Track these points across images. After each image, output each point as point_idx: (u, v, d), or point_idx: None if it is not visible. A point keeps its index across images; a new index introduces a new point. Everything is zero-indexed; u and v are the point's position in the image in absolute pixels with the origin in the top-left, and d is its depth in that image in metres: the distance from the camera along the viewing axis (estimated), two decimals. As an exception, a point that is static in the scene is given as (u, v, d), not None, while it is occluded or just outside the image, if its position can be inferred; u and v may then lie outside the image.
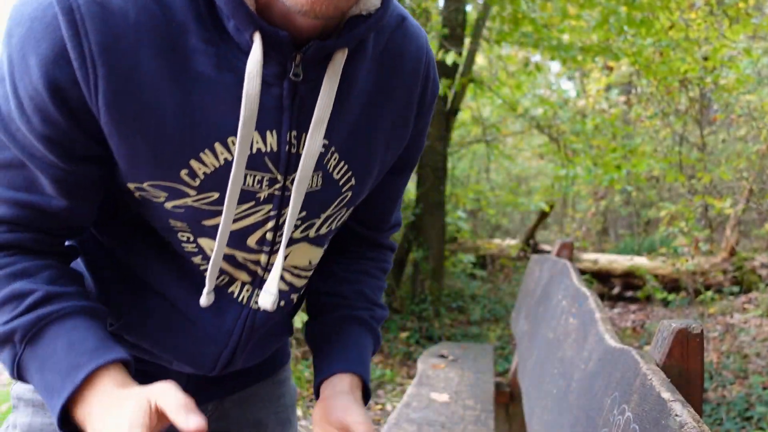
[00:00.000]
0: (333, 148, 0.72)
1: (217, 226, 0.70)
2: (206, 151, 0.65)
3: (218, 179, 0.67)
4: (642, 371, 0.88)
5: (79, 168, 0.65)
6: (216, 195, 0.68)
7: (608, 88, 7.66)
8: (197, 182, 0.67)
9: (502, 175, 8.82)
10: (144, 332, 0.78)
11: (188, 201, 0.69)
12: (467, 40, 4.96)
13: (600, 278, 6.34)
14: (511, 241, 7.54)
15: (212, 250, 0.72)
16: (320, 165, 0.72)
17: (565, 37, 5.03)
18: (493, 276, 6.73)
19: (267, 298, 0.74)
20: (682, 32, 5.09)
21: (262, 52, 0.62)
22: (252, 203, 0.70)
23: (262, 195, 0.70)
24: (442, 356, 2.97)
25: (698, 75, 5.24)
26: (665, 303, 5.16)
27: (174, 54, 0.62)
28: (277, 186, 0.70)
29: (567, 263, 2.05)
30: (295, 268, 0.80)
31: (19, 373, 0.67)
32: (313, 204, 0.74)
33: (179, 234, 0.73)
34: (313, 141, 0.67)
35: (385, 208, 0.93)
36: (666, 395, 0.77)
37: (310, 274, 0.84)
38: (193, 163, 0.66)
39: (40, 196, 0.66)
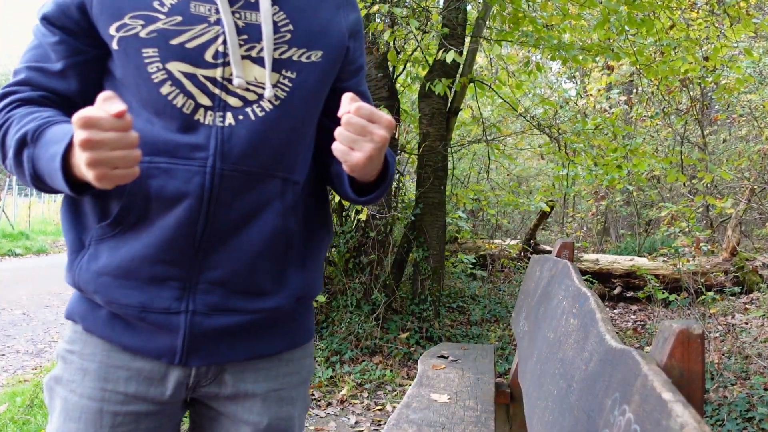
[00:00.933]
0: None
1: (181, 44, 0.93)
2: None
3: (180, 6, 0.94)
4: (643, 372, 0.87)
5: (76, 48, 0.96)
6: (180, 18, 0.93)
7: (609, 87, 7.65)
8: (165, 9, 0.93)
9: (502, 175, 8.81)
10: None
11: (159, 24, 0.93)
12: (467, 40, 4.96)
13: (601, 278, 6.33)
14: (511, 242, 7.53)
15: (179, 72, 0.93)
16: (255, 6, 0.98)
17: (566, 37, 5.02)
18: (494, 276, 6.72)
19: (237, 81, 0.95)
20: (683, 32, 5.08)
21: None
22: (205, 25, 0.94)
23: (212, 19, 0.95)
24: (443, 357, 2.96)
25: (699, 75, 5.23)
26: (666, 303, 5.15)
27: None
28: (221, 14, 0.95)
29: (568, 263, 2.04)
30: (248, 83, 0.97)
31: (33, 166, 0.88)
32: (253, 31, 0.97)
33: (149, 66, 0.93)
34: None
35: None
36: (667, 396, 0.76)
37: (262, 100, 0.98)
38: None
39: (48, 62, 0.96)
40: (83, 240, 0.98)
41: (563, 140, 5.60)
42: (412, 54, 5.10)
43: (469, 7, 4.96)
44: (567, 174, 5.81)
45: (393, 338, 4.24)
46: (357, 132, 0.87)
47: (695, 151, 7.36)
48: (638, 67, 4.81)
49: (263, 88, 0.97)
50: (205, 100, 0.95)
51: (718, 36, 5.31)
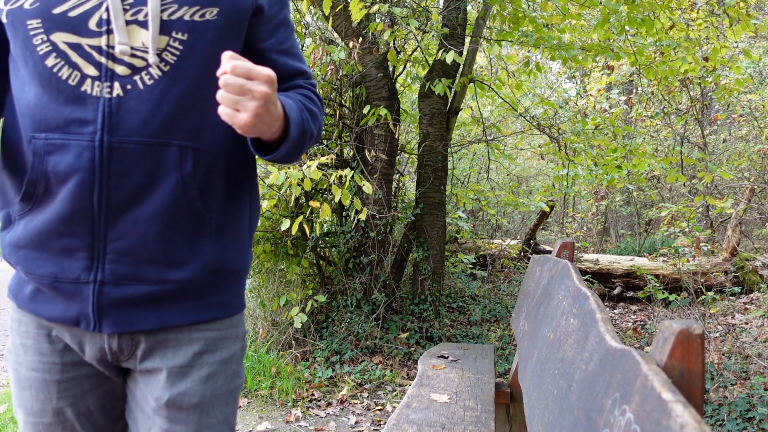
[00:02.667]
0: None
1: (64, 13, 0.92)
2: None
3: None
4: (643, 372, 0.87)
5: None
6: None
7: (609, 87, 7.65)
8: None
9: (502, 175, 8.81)
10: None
11: None
12: (467, 40, 4.96)
13: (601, 278, 6.33)
14: (511, 242, 7.53)
15: (63, 42, 0.92)
16: None
17: (566, 37, 5.02)
18: (494, 276, 6.72)
19: (120, 48, 0.92)
20: (682, 32, 5.08)
21: None
22: None
23: None
24: (443, 357, 2.96)
25: (699, 75, 5.23)
26: (666, 303, 5.15)
27: None
28: None
29: (568, 263, 2.04)
30: (134, 49, 0.94)
31: None
32: None
33: (34, 39, 0.92)
34: None
35: (281, 62, 1.10)
36: (667, 396, 0.76)
37: (171, 58, 0.96)
38: None
39: None
40: (10, 215, 1.03)
41: (563, 140, 5.60)
42: (412, 54, 5.10)
43: (469, 7, 4.96)
44: (567, 174, 5.81)
45: (393, 338, 4.24)
46: (236, 92, 0.84)
47: (695, 151, 7.36)
48: (638, 67, 4.81)
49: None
50: (91, 71, 0.93)
51: (718, 36, 5.31)
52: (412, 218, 4.66)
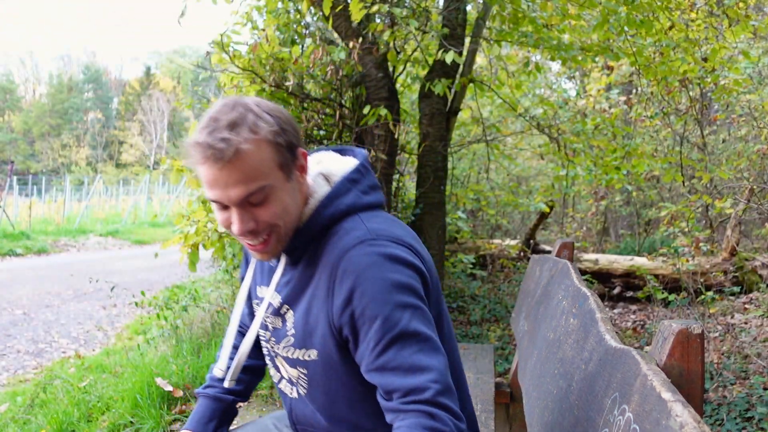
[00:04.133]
0: (286, 306, 1.25)
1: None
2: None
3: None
4: (642, 372, 0.88)
5: None
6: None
7: (608, 87, 7.65)
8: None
9: (502, 175, 8.81)
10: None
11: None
12: (467, 40, 4.96)
13: (600, 278, 6.34)
14: (511, 241, 7.54)
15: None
16: (278, 313, 1.27)
17: (565, 37, 5.02)
18: (494, 276, 6.72)
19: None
20: (682, 32, 5.08)
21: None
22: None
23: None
24: (443, 356, 2.95)
25: (698, 75, 5.23)
26: (666, 303, 5.16)
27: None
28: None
29: (567, 263, 2.05)
30: (290, 376, 1.31)
31: None
32: (278, 335, 1.28)
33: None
34: (268, 297, 1.29)
35: (375, 382, 1.15)
36: (666, 396, 0.77)
37: (303, 385, 1.28)
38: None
39: None
40: None
41: (563, 140, 5.60)
42: (412, 54, 5.10)
43: (468, 8, 4.96)
44: (566, 174, 5.81)
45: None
46: None
47: (694, 151, 7.36)
48: (637, 67, 4.81)
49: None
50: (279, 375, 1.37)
51: (717, 37, 5.31)
52: (412, 218, 4.67)
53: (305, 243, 1.21)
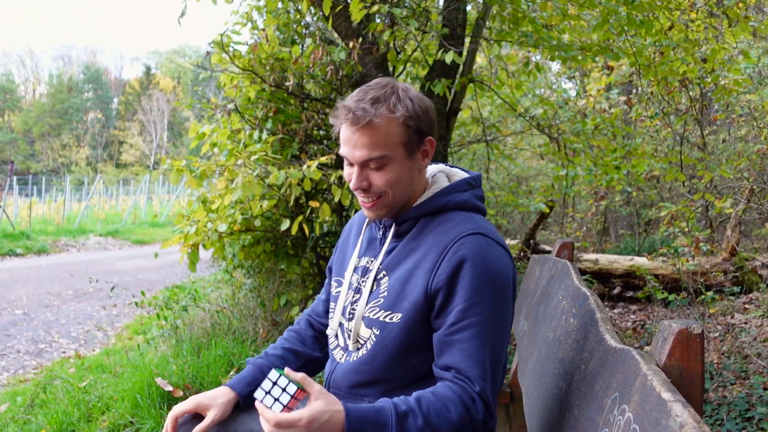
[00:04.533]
0: (384, 272, 1.40)
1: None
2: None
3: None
4: (642, 371, 0.88)
5: None
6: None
7: (608, 87, 7.65)
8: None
9: (502, 175, 8.81)
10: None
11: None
12: (467, 40, 4.96)
13: (600, 278, 6.33)
14: (511, 241, 7.53)
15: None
16: (374, 277, 1.40)
17: (565, 37, 5.02)
18: (494, 276, 6.70)
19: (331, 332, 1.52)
20: (682, 33, 5.08)
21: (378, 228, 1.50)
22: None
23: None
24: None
25: (698, 75, 5.23)
26: (666, 303, 5.15)
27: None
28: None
29: (567, 263, 2.05)
30: (358, 335, 1.41)
31: None
32: (368, 297, 1.40)
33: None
34: (367, 263, 1.48)
35: (439, 350, 1.32)
36: (666, 396, 0.77)
37: (368, 346, 1.38)
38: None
39: None
40: None
41: (563, 140, 5.60)
42: (412, 54, 5.10)
43: (468, 8, 4.96)
44: (566, 174, 5.81)
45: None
46: None
47: (695, 151, 7.36)
48: (637, 67, 4.81)
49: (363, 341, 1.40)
50: (340, 341, 1.48)
51: (717, 37, 5.31)
52: (412, 218, 4.66)
53: (416, 219, 1.40)
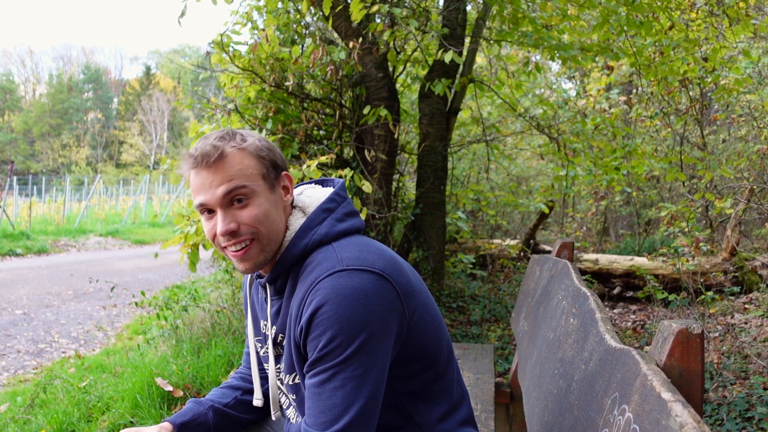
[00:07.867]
0: (281, 334, 1.31)
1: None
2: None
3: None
4: (642, 371, 0.88)
5: None
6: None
7: (608, 87, 7.65)
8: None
9: (502, 175, 8.81)
10: None
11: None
12: (467, 40, 4.96)
13: (600, 278, 6.34)
14: (511, 241, 7.54)
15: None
16: (276, 342, 1.33)
17: (565, 37, 5.02)
18: (493, 276, 6.72)
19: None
20: (682, 32, 5.08)
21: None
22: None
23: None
24: (442, 356, 2.95)
25: (698, 75, 5.23)
26: (666, 303, 5.16)
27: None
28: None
29: (567, 263, 2.05)
30: (279, 402, 1.42)
31: None
32: (281, 363, 1.35)
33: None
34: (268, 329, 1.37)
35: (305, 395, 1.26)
36: (666, 396, 0.77)
37: (295, 408, 1.36)
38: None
39: None
40: None
41: (563, 140, 5.60)
42: (412, 54, 5.10)
43: (468, 8, 4.96)
44: (566, 174, 5.81)
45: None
46: None
47: (695, 150, 7.36)
48: (637, 67, 4.81)
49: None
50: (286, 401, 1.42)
51: (717, 37, 5.31)
52: (412, 218, 4.67)
53: (285, 272, 1.28)
